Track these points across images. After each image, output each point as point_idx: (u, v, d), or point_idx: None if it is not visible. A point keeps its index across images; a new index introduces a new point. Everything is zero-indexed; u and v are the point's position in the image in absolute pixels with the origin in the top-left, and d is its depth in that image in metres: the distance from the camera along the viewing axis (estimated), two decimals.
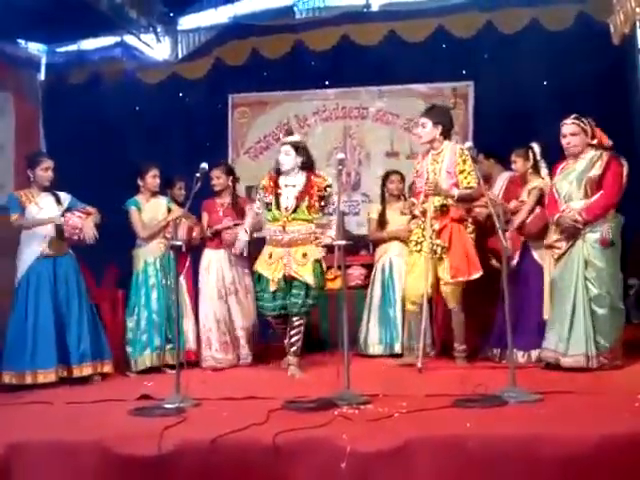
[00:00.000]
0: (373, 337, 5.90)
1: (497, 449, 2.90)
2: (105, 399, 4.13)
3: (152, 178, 5.54)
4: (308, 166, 5.12)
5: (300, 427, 3.08)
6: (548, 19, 7.26)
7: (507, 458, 2.87)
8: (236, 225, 5.53)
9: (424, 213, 5.11)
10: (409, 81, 7.68)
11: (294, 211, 5.02)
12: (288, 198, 5.04)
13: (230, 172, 5.80)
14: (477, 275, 5.05)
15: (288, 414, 3.45)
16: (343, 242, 4.07)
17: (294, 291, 4.97)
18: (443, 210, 5.03)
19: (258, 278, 5.15)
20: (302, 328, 4.99)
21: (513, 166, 5.42)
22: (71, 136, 7.57)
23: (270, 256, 5.05)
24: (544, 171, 5.21)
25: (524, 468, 2.86)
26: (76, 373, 4.90)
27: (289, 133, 5.41)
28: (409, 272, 5.23)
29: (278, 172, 5.16)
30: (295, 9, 8.00)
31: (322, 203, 5.09)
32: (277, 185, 5.11)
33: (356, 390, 3.75)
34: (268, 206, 5.14)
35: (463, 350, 5.14)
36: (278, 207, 5.06)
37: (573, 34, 7.14)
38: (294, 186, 5.06)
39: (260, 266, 5.11)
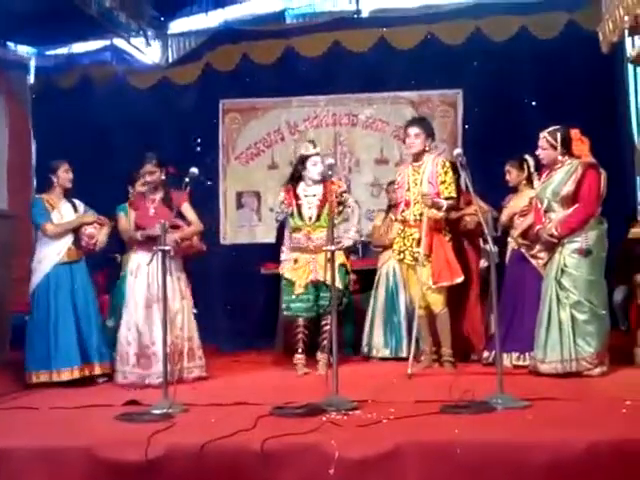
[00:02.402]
0: (378, 341, 6.02)
1: (485, 455, 2.90)
2: (92, 404, 4.11)
3: (142, 187, 5.55)
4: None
5: (288, 433, 3.07)
6: (537, 27, 7.31)
7: (495, 464, 2.87)
8: (175, 227, 4.98)
9: (404, 222, 5.19)
10: (399, 88, 7.71)
11: (317, 219, 5.28)
12: (310, 208, 5.32)
13: (163, 164, 5.14)
14: (459, 280, 5.16)
15: (276, 420, 3.44)
16: (333, 248, 4.08)
17: (322, 294, 5.24)
18: (422, 219, 5.08)
19: (286, 283, 5.38)
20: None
21: (507, 176, 5.44)
22: (61, 139, 7.54)
23: (296, 262, 5.32)
24: (537, 183, 5.25)
25: (512, 474, 2.86)
26: (97, 371, 5.08)
27: (314, 144, 5.53)
28: (408, 280, 5.29)
29: (295, 182, 5.40)
30: (286, 15, 8.02)
31: (340, 208, 5.39)
32: (296, 196, 5.36)
33: (345, 396, 3.74)
34: (292, 215, 5.39)
35: (450, 355, 5.19)
36: (301, 216, 5.33)
37: (562, 42, 7.20)
38: (314, 195, 5.33)
39: (287, 272, 5.36)
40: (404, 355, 5.82)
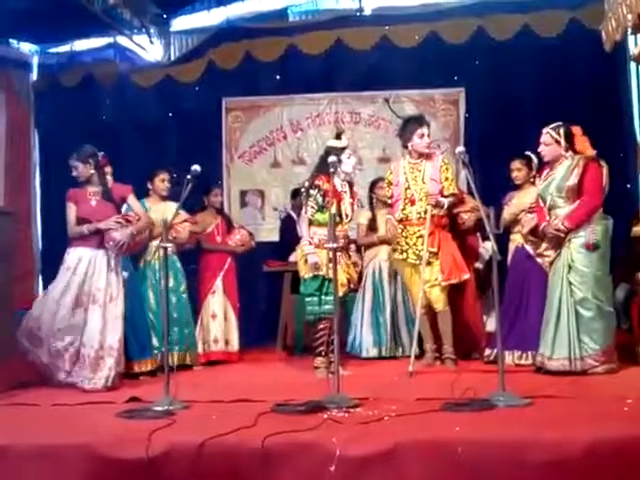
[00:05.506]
0: (367, 340, 5.96)
1: (486, 453, 2.90)
2: (93, 401, 4.11)
3: (161, 182, 5.64)
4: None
5: (289, 430, 3.06)
6: (540, 25, 7.31)
7: (496, 462, 2.87)
8: (127, 221, 4.76)
9: (405, 220, 5.17)
10: (401, 86, 7.69)
11: (350, 219, 5.09)
12: (346, 205, 5.01)
13: (90, 159, 4.83)
14: (466, 276, 5.21)
15: (277, 417, 3.44)
16: (335, 245, 4.06)
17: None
18: (426, 217, 5.06)
19: (315, 284, 4.96)
20: None
21: (515, 173, 5.39)
22: (64, 137, 7.54)
23: (330, 260, 4.74)
24: (538, 181, 5.24)
25: (512, 472, 2.85)
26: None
27: (340, 132, 5.21)
28: (410, 279, 5.25)
29: (328, 175, 4.70)
30: (288, 12, 8.01)
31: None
32: (337, 189, 4.88)
33: (346, 393, 3.74)
34: (323, 209, 4.94)
35: (452, 352, 5.18)
36: (339, 212, 4.90)
37: (565, 40, 7.21)
38: (345, 192, 5.05)
39: (324, 270, 4.89)
40: (385, 355, 5.85)
